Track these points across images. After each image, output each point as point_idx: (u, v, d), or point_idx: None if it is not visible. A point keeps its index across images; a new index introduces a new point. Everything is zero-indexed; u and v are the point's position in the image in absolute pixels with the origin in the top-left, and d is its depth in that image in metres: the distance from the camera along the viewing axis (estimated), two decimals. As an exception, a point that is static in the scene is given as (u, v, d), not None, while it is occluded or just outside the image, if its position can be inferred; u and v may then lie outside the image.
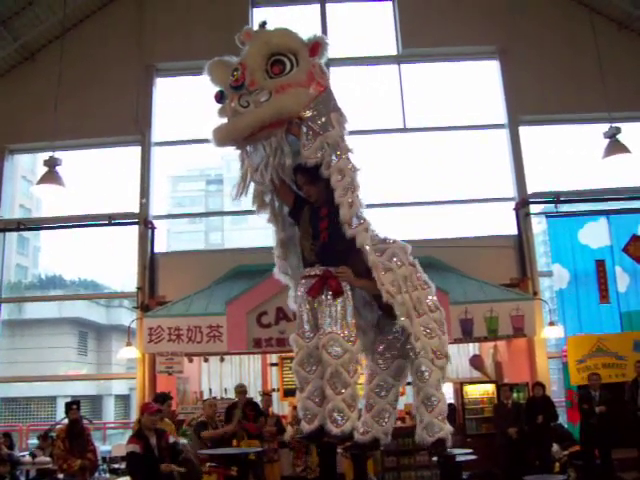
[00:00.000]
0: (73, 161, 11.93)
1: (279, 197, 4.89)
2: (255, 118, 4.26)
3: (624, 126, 10.46)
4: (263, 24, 4.60)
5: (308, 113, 4.43)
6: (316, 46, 4.53)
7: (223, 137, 4.39)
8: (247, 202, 4.89)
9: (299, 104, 4.38)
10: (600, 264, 11.67)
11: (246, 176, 4.66)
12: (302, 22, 13.59)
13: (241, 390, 9.42)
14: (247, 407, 9.14)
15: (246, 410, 9.05)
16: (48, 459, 9.00)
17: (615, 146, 10.19)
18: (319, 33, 4.64)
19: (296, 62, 4.40)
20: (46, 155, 10.35)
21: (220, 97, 4.42)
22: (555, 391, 12.36)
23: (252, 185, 4.74)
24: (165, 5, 13.19)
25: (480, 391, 10.85)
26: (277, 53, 4.38)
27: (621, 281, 11.62)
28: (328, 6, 13.45)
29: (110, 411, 24.36)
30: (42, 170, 10.33)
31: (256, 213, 4.92)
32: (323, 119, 4.46)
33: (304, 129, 4.43)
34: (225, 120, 4.39)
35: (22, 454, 9.73)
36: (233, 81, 4.31)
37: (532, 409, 9.64)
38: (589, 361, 10.55)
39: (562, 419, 10.68)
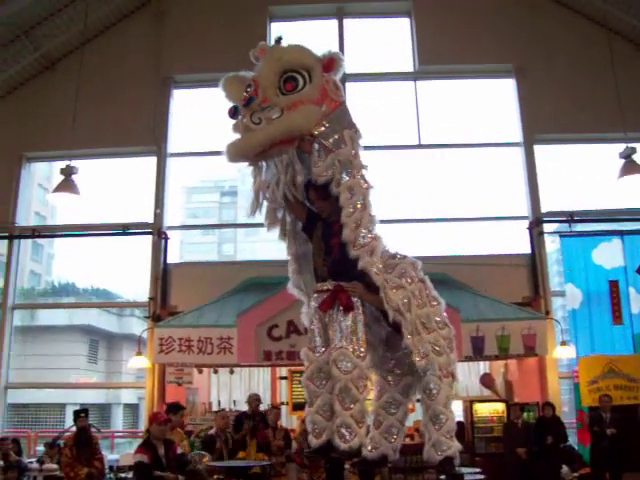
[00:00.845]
0: (89, 170, 12.03)
1: (292, 213, 4.89)
2: (266, 135, 4.26)
3: (640, 147, 10.44)
4: (278, 40, 4.62)
5: (320, 130, 4.42)
6: (331, 62, 4.53)
7: (235, 153, 4.40)
8: (261, 215, 4.89)
9: (310, 121, 4.38)
10: (613, 285, 11.60)
11: (258, 193, 4.67)
12: (320, 37, 13.70)
13: (256, 398, 9.43)
14: (256, 417, 9.14)
15: (255, 420, 9.05)
16: (55, 466, 9.02)
17: (630, 166, 10.16)
18: (335, 49, 4.65)
19: (309, 79, 4.40)
20: (63, 163, 10.44)
21: (234, 113, 4.43)
22: (566, 412, 12.25)
23: (265, 202, 4.76)
24: (184, 17, 13.33)
25: (490, 410, 10.78)
26: (290, 70, 4.38)
27: (634, 302, 11.54)
28: (346, 21, 13.54)
29: (118, 420, 24.35)
30: (58, 178, 10.42)
31: (267, 230, 4.92)
32: (336, 136, 4.45)
33: (316, 146, 4.43)
34: (238, 136, 4.40)
35: (30, 460, 9.76)
36: (246, 98, 4.33)
37: (541, 429, 9.56)
38: (601, 382, 10.46)
39: (573, 440, 10.58)
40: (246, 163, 4.61)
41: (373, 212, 4.52)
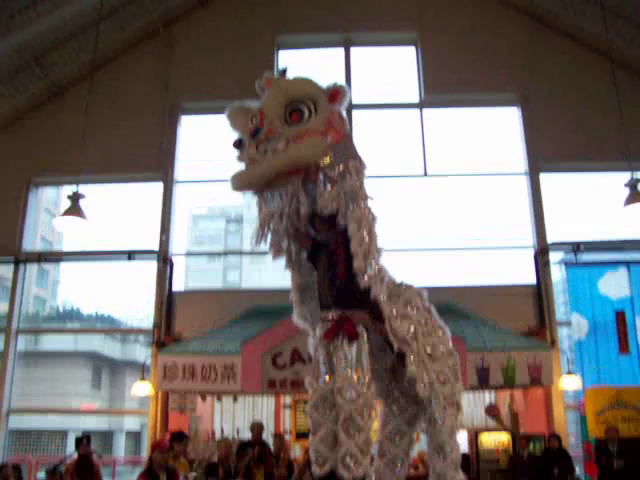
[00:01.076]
0: (96, 196, 12.09)
1: (297, 242, 4.90)
2: (271, 167, 4.28)
3: (645, 177, 10.44)
4: (283, 71, 4.67)
5: (326, 161, 4.45)
6: (335, 93, 4.57)
7: (240, 184, 4.42)
8: (265, 245, 4.89)
9: (315, 153, 4.40)
10: (620, 315, 11.52)
11: (264, 223, 4.67)
12: (326, 66, 13.84)
13: (259, 425, 9.37)
14: (258, 445, 9.07)
15: (262, 448, 8.99)
16: (56, 493, 8.94)
17: (636, 196, 10.14)
18: (340, 80, 4.69)
19: (315, 110, 4.43)
20: (70, 189, 10.51)
21: (239, 144, 4.46)
22: (573, 443, 12.12)
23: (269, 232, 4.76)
24: (193, 45, 13.52)
25: (495, 441, 10.65)
26: (295, 101, 4.42)
27: (641, 333, 11.46)
28: (352, 51, 13.69)
29: (120, 447, 24.20)
30: (65, 203, 10.48)
31: (273, 259, 4.92)
32: (341, 167, 4.47)
33: (321, 177, 4.45)
34: (243, 166, 4.42)
35: (31, 488, 9.69)
36: (251, 129, 4.36)
37: (548, 461, 9.45)
38: (608, 413, 10.35)
39: (580, 472, 10.44)
40: (251, 193, 4.62)
41: (379, 242, 4.53)
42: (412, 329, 4.55)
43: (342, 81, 4.79)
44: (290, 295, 4.99)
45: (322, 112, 4.46)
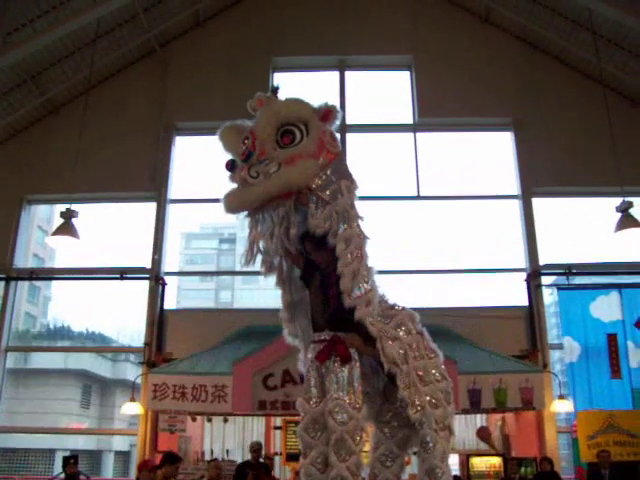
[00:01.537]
0: (89, 214, 12.08)
1: (289, 260, 4.89)
2: (263, 190, 4.28)
3: (637, 200, 10.50)
4: (275, 90, 4.68)
5: (317, 183, 4.45)
6: (327, 113, 4.58)
7: (232, 206, 4.41)
8: (258, 263, 4.88)
9: (307, 176, 4.40)
10: (611, 338, 11.54)
11: (253, 244, 4.66)
12: (321, 88, 13.92)
13: (257, 448, 9.29)
14: (257, 467, 8.99)
15: (258, 470, 8.90)
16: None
17: (627, 220, 10.19)
18: (331, 101, 4.69)
19: (306, 132, 4.44)
20: (63, 206, 10.49)
21: (231, 166, 4.47)
22: (565, 467, 12.06)
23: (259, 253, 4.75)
24: (188, 65, 13.60)
25: (487, 464, 10.58)
26: (287, 123, 4.43)
27: (633, 357, 11.45)
28: (347, 74, 13.79)
29: (109, 467, 23.95)
30: (58, 221, 10.45)
31: (264, 277, 4.91)
32: (333, 187, 4.47)
33: (313, 198, 4.45)
34: (235, 187, 4.41)
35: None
36: (243, 151, 4.36)
37: (540, 485, 9.41)
38: (600, 438, 10.31)
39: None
40: (243, 214, 4.62)
41: (370, 263, 4.52)
42: (402, 351, 4.54)
43: (337, 103, 4.80)
44: (280, 314, 4.97)
45: (314, 133, 4.47)
